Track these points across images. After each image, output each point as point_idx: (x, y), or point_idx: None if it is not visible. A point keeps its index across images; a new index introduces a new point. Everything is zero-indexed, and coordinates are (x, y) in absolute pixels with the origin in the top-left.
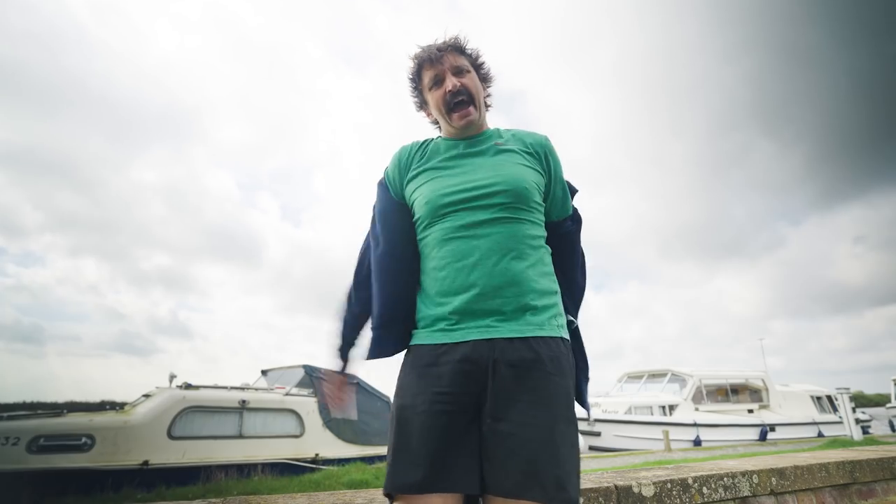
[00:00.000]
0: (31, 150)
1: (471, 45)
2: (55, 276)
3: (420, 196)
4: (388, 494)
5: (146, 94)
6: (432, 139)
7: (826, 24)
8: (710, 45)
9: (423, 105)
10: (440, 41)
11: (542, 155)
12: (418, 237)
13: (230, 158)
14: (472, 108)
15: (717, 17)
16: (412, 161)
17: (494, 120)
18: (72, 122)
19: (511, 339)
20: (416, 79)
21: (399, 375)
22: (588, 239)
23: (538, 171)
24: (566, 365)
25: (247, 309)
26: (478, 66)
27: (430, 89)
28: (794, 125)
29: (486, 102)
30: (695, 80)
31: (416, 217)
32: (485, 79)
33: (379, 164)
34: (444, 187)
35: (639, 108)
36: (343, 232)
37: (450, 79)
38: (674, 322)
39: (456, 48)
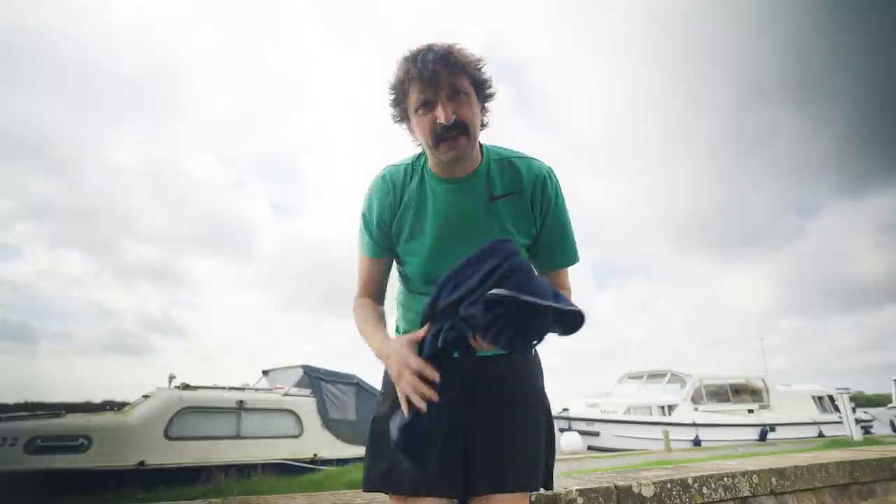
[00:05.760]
0: None
1: (472, 52)
2: (37, 271)
3: (411, 262)
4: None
5: (119, 57)
6: (423, 165)
7: None
8: (743, 8)
9: (403, 120)
10: (436, 47)
11: (537, 200)
12: (398, 267)
13: (214, 136)
14: (463, 140)
15: None
16: (404, 194)
17: (499, 95)
18: (38, 91)
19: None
20: (400, 92)
21: (383, 381)
22: (593, 232)
23: (528, 227)
24: (533, 373)
25: (241, 305)
26: (479, 84)
27: (416, 111)
28: (830, 99)
29: (483, 122)
30: (720, 51)
31: (403, 269)
32: (486, 97)
33: (377, 153)
34: (434, 266)
35: (651, 82)
36: (339, 225)
37: (443, 107)
38: (680, 320)
39: (455, 65)
